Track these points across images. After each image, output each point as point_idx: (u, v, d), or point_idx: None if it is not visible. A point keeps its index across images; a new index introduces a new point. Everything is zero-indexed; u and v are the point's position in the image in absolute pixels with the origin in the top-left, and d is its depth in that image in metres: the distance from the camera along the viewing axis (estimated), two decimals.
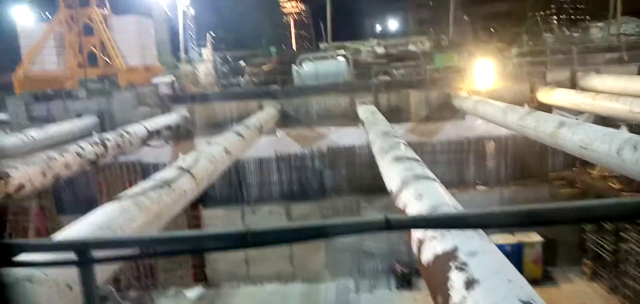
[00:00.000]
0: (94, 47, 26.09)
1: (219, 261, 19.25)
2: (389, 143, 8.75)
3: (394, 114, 18.28)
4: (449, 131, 19.54)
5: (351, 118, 18.76)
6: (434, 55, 23.64)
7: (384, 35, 53.33)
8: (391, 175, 6.93)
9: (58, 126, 17.34)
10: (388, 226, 1.72)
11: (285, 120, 19.42)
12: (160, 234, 2.36)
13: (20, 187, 10.43)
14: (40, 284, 3.76)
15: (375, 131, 10.93)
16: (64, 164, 11.24)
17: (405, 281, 18.16)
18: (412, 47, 30.02)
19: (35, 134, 15.40)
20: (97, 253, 1.74)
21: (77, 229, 5.05)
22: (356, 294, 18.47)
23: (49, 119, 18.98)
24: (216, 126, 18.33)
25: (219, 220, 18.94)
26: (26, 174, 10.48)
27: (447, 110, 19.01)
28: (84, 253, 1.71)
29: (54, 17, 25.96)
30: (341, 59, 22.56)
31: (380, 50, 28.46)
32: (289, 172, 19.92)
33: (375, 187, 18.34)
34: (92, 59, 26.07)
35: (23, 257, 1.63)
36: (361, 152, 19.27)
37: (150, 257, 3.52)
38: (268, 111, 18.27)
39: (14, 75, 24.70)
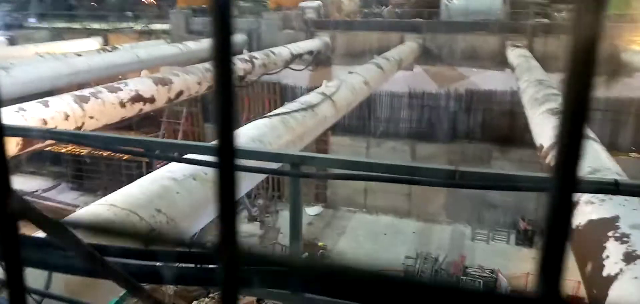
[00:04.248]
0: None
1: (340, 187, 19.96)
2: (544, 93, 8.03)
3: (550, 62, 16.50)
4: (610, 88, 17.28)
5: (499, 61, 17.49)
6: None
7: None
8: (543, 129, 6.42)
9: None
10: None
11: (426, 56, 18.74)
12: (366, 159, 2.48)
13: (180, 93, 11.71)
14: (203, 183, 4.22)
15: (527, 78, 10.09)
16: None
17: (527, 239, 17.42)
18: None
19: (192, 45, 16.98)
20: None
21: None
22: (471, 242, 18.11)
23: (204, 33, 20.69)
24: (356, 55, 18.40)
25: (344, 148, 19.39)
26: (185, 82, 11.70)
27: (612, 64, 16.72)
28: (297, 167, 1.91)
29: None
30: None
31: None
32: (420, 111, 19.49)
33: (512, 138, 17.23)
34: None
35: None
36: (503, 99, 18.05)
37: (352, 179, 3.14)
38: (409, 45, 17.82)
39: None
